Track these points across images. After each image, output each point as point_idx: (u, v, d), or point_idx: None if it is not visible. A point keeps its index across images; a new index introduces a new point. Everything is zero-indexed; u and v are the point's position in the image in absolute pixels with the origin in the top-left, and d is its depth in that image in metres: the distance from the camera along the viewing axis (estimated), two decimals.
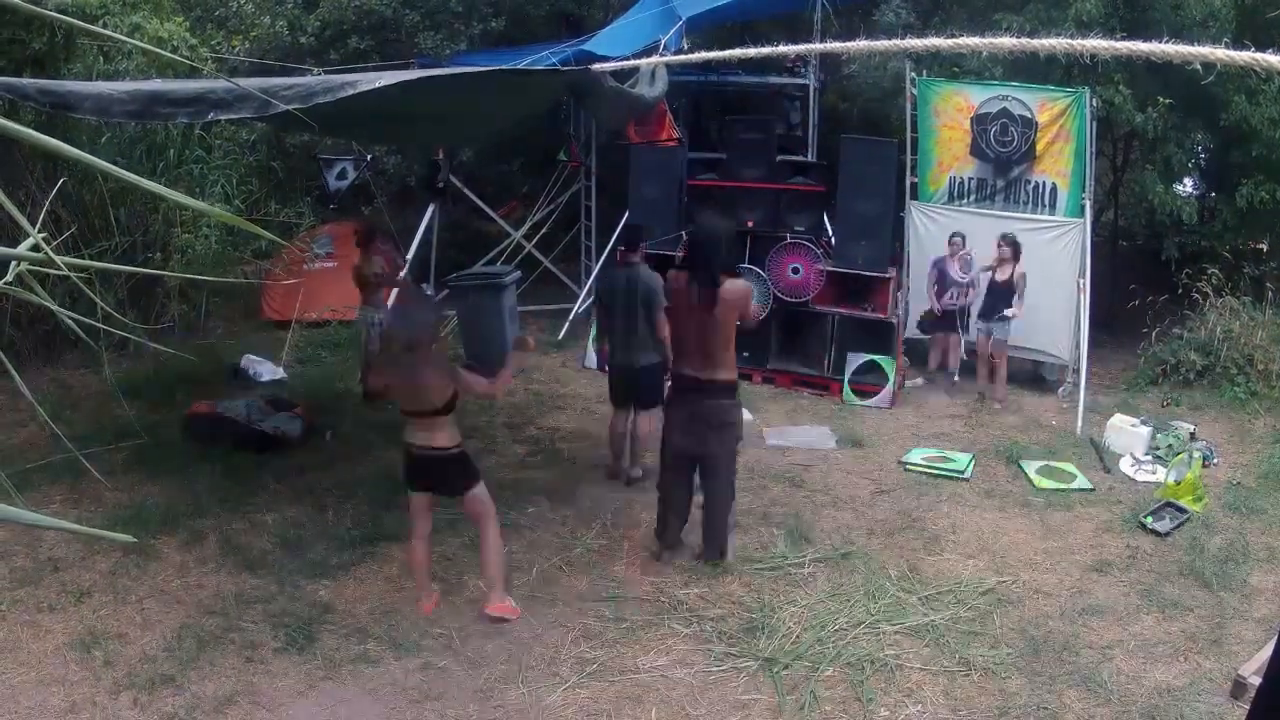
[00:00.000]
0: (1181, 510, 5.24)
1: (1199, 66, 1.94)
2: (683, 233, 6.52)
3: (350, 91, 3.03)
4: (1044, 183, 7.38)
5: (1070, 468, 5.95)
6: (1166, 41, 1.91)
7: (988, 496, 5.55)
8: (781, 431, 6.56)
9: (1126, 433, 6.33)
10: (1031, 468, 5.92)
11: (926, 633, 4.08)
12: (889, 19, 9.00)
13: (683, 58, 5.28)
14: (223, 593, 4.23)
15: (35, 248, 1.07)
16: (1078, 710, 3.61)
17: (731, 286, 4.33)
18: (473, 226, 10.74)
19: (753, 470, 5.86)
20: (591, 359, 7.91)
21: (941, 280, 7.37)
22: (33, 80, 4.01)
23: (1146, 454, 6.17)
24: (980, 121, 7.44)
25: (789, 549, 4.81)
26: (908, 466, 5.95)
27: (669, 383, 4.70)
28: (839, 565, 4.67)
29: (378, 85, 3.10)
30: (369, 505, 5.14)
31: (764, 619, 4.14)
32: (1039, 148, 7.27)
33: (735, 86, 9.76)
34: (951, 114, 7.58)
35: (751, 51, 3.10)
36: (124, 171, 1.10)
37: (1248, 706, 3.19)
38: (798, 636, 4.02)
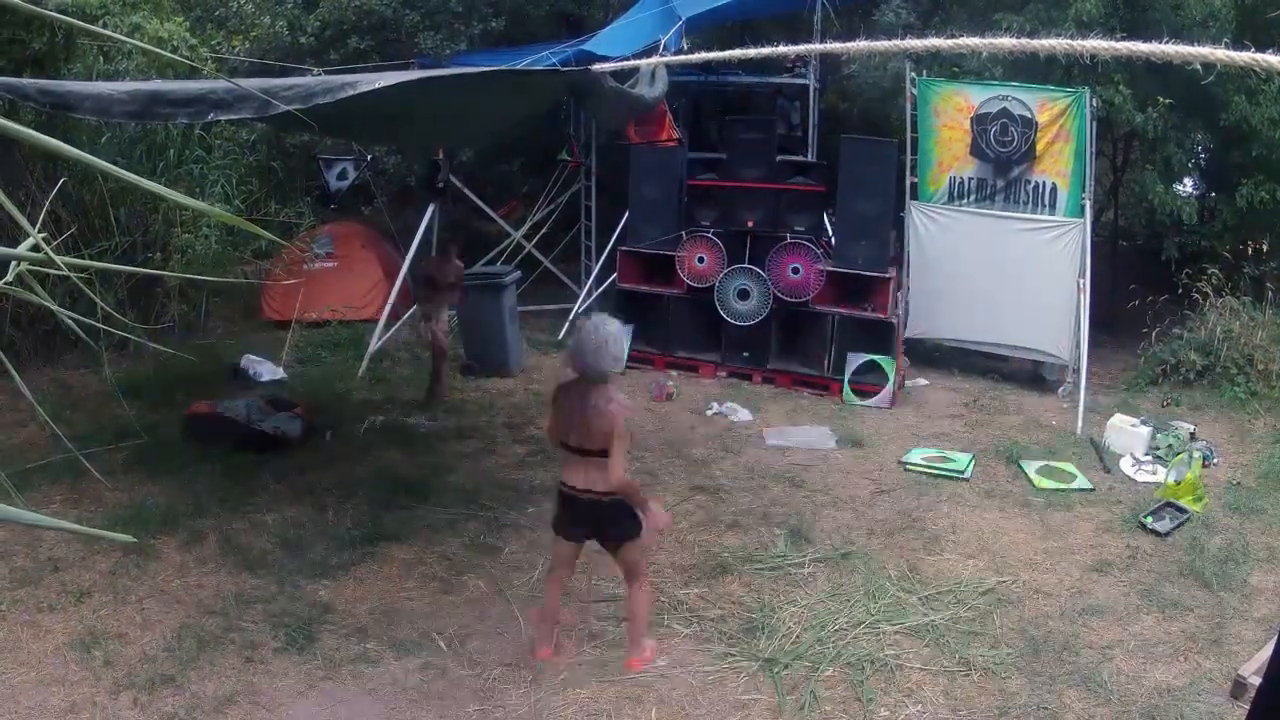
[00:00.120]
0: (1181, 510, 5.24)
1: (1199, 66, 1.94)
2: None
3: (350, 92, 3.03)
4: (1044, 183, 7.37)
5: (1070, 468, 5.95)
6: (1166, 41, 1.91)
7: (988, 496, 5.55)
8: (781, 431, 6.56)
9: (1126, 433, 6.33)
10: (1031, 468, 5.92)
11: (926, 633, 4.08)
12: (889, 19, 9.00)
13: (683, 58, 5.29)
14: (223, 593, 4.23)
15: (35, 248, 1.07)
16: (1078, 710, 3.62)
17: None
18: (473, 226, 10.73)
19: (753, 470, 5.87)
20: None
21: None
22: (33, 80, 4.01)
23: (1146, 454, 6.17)
24: (980, 121, 7.44)
25: (789, 549, 4.81)
26: (908, 466, 5.95)
27: None
28: (839, 565, 4.67)
29: (378, 86, 3.10)
30: (369, 505, 5.14)
31: (764, 619, 4.14)
32: (1039, 148, 7.27)
33: (735, 86, 9.76)
34: (951, 114, 7.58)
35: (751, 52, 3.10)
36: (124, 171, 1.10)
37: (1248, 706, 3.19)
38: (798, 636, 4.02)
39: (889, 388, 7.17)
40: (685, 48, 7.73)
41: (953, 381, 7.75)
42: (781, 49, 3.05)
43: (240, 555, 4.56)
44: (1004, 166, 7.46)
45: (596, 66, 4.28)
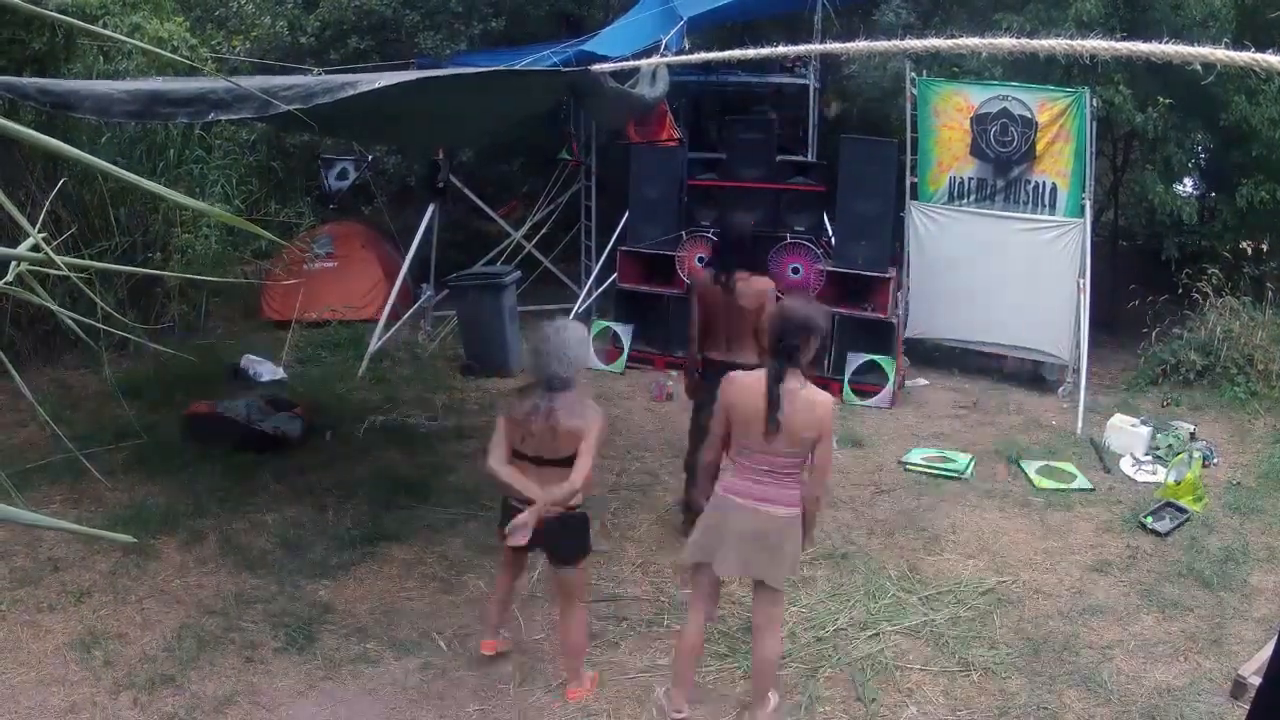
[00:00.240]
0: (1181, 510, 5.24)
1: (1199, 66, 1.94)
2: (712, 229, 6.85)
3: (350, 92, 3.03)
4: (1044, 183, 7.37)
5: (1070, 468, 5.95)
6: (1166, 41, 1.92)
7: (988, 496, 5.55)
8: None
9: (1126, 433, 6.33)
10: (1031, 468, 5.92)
11: (926, 633, 4.08)
12: (889, 19, 8.99)
13: (683, 58, 5.29)
14: (223, 593, 4.23)
15: (35, 248, 1.07)
16: (1078, 710, 3.62)
17: (747, 285, 4.56)
18: (473, 226, 10.73)
19: None
20: (592, 359, 7.91)
21: None
22: (33, 80, 4.00)
23: (1146, 454, 6.17)
24: (980, 121, 7.44)
25: None
26: (908, 466, 5.95)
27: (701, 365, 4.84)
28: (839, 565, 4.67)
29: (378, 86, 3.10)
30: (369, 505, 5.14)
31: None
32: (1039, 148, 7.27)
33: (735, 86, 9.76)
34: (951, 114, 7.58)
35: (751, 52, 3.10)
36: (124, 171, 1.10)
37: (1248, 706, 3.19)
38: (797, 637, 4.02)
39: (889, 388, 7.17)
40: (686, 48, 7.72)
41: (953, 381, 7.75)
42: (781, 49, 3.06)
43: (240, 555, 4.56)
44: (1004, 166, 7.46)
45: (597, 66, 4.28)
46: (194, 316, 8.35)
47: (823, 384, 7.25)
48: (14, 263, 1.10)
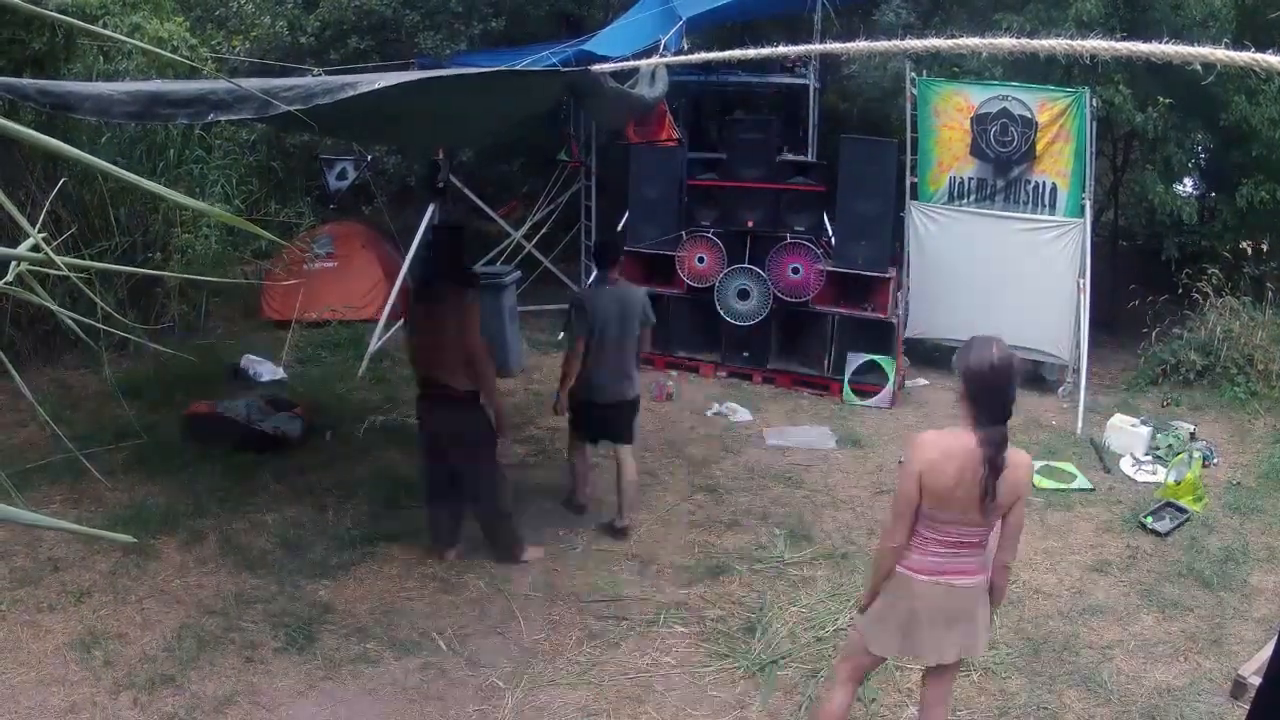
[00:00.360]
0: (1181, 510, 5.24)
1: (1199, 66, 1.94)
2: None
3: (350, 92, 3.03)
4: (1044, 183, 7.37)
5: (1070, 468, 5.95)
6: (1166, 41, 1.92)
7: None
8: (781, 431, 6.56)
9: (1126, 433, 6.33)
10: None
11: None
12: (889, 19, 8.99)
13: (683, 58, 5.29)
14: (223, 593, 4.23)
15: (35, 248, 1.07)
16: (1078, 710, 3.62)
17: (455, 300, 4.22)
18: (473, 226, 10.72)
19: (753, 470, 5.87)
20: None
21: None
22: (33, 80, 4.00)
23: (1146, 454, 6.17)
24: (980, 121, 7.44)
25: (789, 549, 4.81)
26: None
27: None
28: (839, 565, 4.67)
29: (378, 86, 3.10)
30: (369, 505, 5.14)
31: (764, 619, 4.14)
32: (1039, 148, 7.27)
33: (735, 86, 9.76)
34: (951, 114, 7.58)
35: (751, 52, 3.10)
36: (124, 171, 1.10)
37: (1248, 706, 3.19)
38: (798, 637, 4.02)
39: (889, 388, 7.17)
40: (685, 48, 7.72)
41: (953, 381, 7.69)
42: (781, 49, 3.05)
43: (240, 555, 4.56)
44: (1004, 166, 7.46)
45: (596, 67, 4.27)
46: (194, 316, 8.35)
47: (823, 384, 7.40)
48: (14, 263, 1.10)
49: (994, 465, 2.65)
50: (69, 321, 1.33)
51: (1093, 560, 4.81)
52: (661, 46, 7.13)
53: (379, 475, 5.52)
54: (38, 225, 1.09)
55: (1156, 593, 4.47)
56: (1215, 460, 6.13)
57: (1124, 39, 2.02)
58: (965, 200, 7.68)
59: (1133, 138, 8.84)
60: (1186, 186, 9.13)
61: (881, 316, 7.31)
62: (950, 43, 2.47)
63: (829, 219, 7.76)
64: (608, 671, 3.77)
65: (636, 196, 8.08)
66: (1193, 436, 6.37)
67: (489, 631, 4.04)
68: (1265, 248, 8.70)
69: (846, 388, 7.26)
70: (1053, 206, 7.37)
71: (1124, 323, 8.48)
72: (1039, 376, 7.79)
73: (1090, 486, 5.71)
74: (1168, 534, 5.06)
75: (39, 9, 1.32)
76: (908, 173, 7.73)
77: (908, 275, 7.87)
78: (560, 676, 3.74)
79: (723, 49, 4.74)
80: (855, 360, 7.29)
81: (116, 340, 6.82)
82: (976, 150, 7.52)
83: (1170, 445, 6.17)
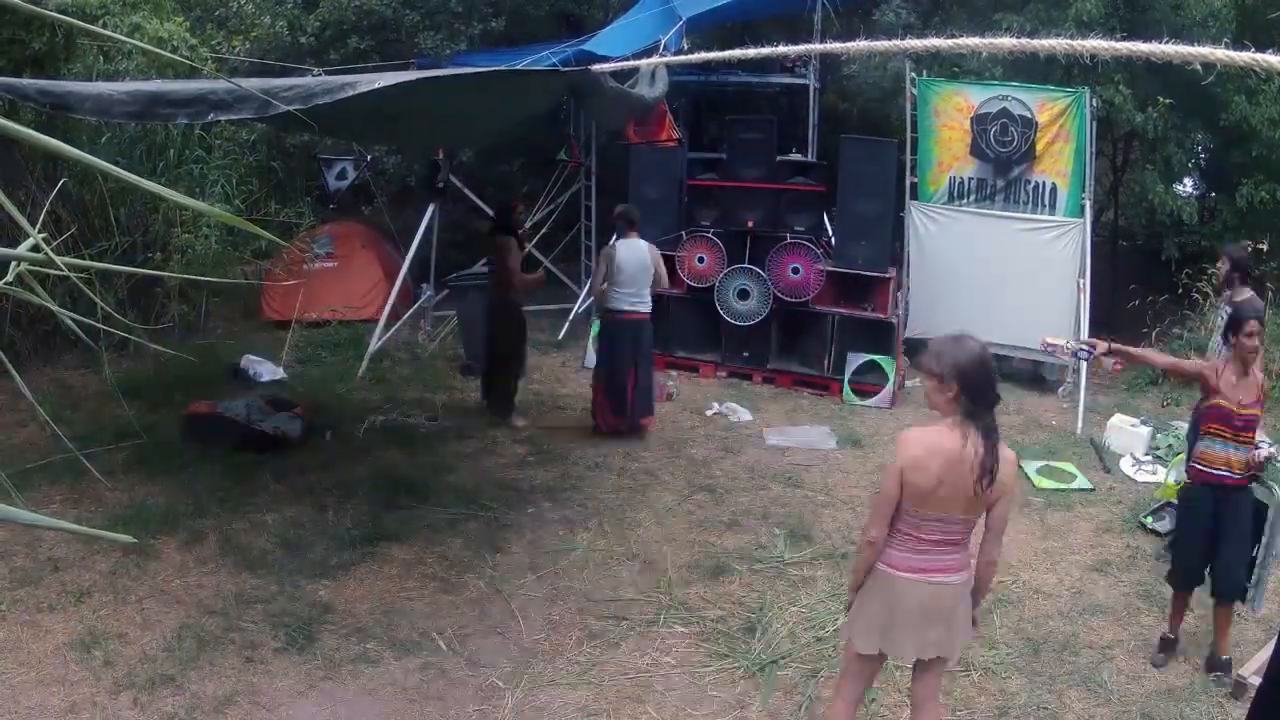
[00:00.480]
0: None
1: (1199, 66, 1.94)
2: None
3: (350, 92, 3.03)
4: (1044, 183, 7.38)
5: (1070, 468, 5.95)
6: (1166, 41, 1.92)
7: None
8: (781, 431, 6.56)
9: (1126, 433, 6.33)
10: (1031, 468, 5.92)
11: None
12: (889, 19, 9.00)
13: (683, 58, 5.29)
14: (223, 593, 4.23)
15: (35, 248, 1.07)
16: (1078, 710, 3.62)
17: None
18: (473, 226, 10.73)
19: (753, 470, 5.87)
20: (592, 359, 7.91)
21: None
22: (33, 80, 4.00)
23: (1146, 454, 6.17)
24: (980, 121, 7.45)
25: (789, 549, 4.81)
26: None
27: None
28: (839, 565, 4.67)
29: (377, 86, 3.10)
30: (369, 505, 5.14)
31: (764, 619, 4.14)
32: (1039, 148, 7.28)
33: (735, 86, 9.76)
34: (951, 114, 7.58)
35: (751, 52, 3.10)
36: (124, 171, 1.10)
37: (1248, 706, 3.19)
38: (797, 637, 4.02)
39: (889, 388, 7.17)
40: (685, 48, 7.73)
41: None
42: (781, 49, 3.05)
43: (240, 555, 4.56)
44: (1004, 166, 7.46)
45: (596, 67, 4.28)
46: (194, 316, 8.35)
47: (823, 384, 7.39)
48: (14, 263, 1.10)
49: (987, 464, 2.67)
50: (69, 321, 1.33)
51: (1093, 560, 4.81)
52: (661, 46, 7.13)
53: (379, 475, 5.52)
54: (38, 225, 1.09)
55: (1156, 593, 4.47)
56: None
57: (1124, 39, 2.02)
58: (965, 200, 7.69)
59: (1133, 138, 8.84)
60: (1186, 186, 9.14)
61: (881, 316, 7.31)
62: (950, 43, 2.48)
63: (829, 219, 7.77)
64: (608, 671, 3.77)
65: (636, 196, 8.07)
66: None
67: (489, 631, 4.04)
68: (1265, 248, 8.71)
69: (846, 388, 7.26)
70: (1053, 206, 7.38)
71: (1124, 323, 8.47)
72: (1039, 376, 7.80)
73: (1090, 486, 5.71)
74: (1168, 534, 5.05)
75: (39, 9, 1.32)
76: (908, 173, 7.73)
77: (908, 275, 7.88)
78: (560, 676, 3.74)
79: (723, 49, 4.74)
80: (855, 360, 7.29)
81: (116, 340, 6.82)
82: (976, 150, 7.52)
83: (1170, 445, 6.17)
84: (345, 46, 9.66)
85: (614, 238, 6.76)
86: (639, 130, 9.30)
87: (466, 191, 9.35)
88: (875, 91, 9.25)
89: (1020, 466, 5.95)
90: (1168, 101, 7.45)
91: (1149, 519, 5.15)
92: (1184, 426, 6.46)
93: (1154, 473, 5.88)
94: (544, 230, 9.84)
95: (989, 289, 7.43)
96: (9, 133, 1.00)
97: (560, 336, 8.66)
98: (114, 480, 5.18)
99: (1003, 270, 7.41)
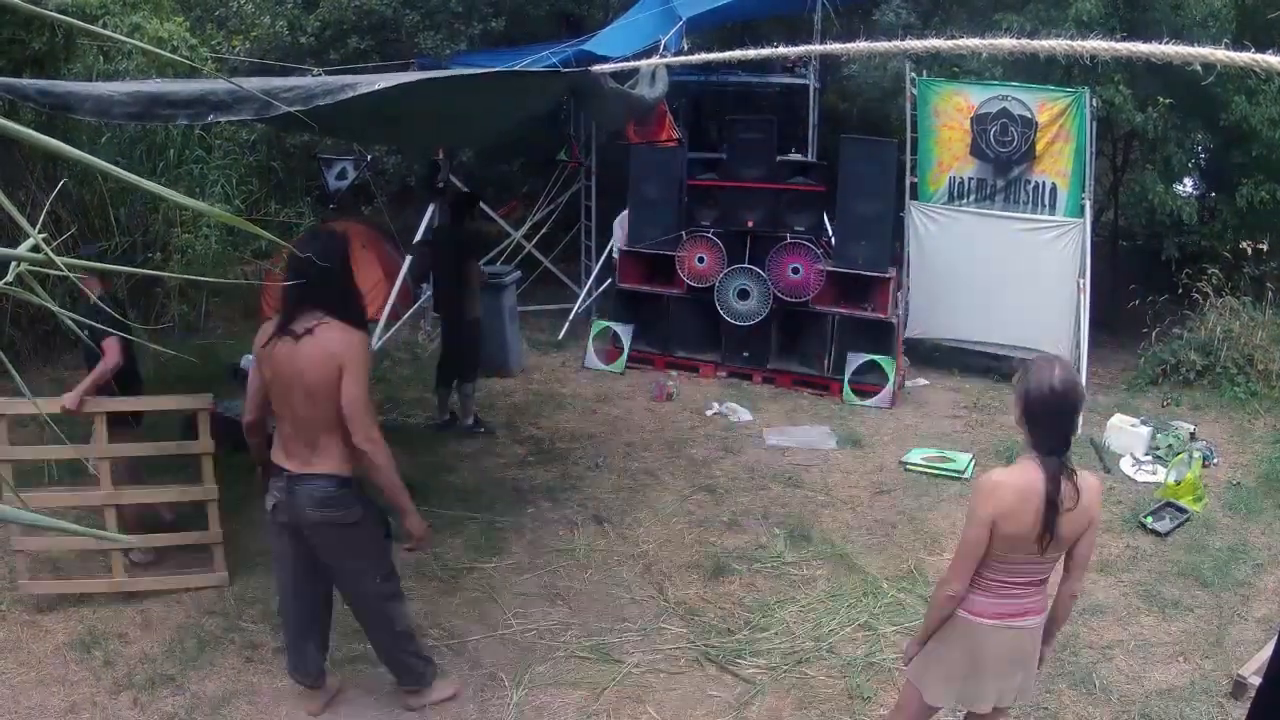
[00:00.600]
0: (1181, 510, 5.24)
1: (1199, 66, 1.94)
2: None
3: (350, 93, 3.03)
4: (1044, 183, 7.37)
5: None
6: (1166, 41, 1.92)
7: None
8: (781, 431, 6.56)
9: (1126, 433, 6.33)
10: None
11: None
12: (889, 19, 8.99)
13: (683, 58, 5.29)
14: (223, 593, 4.23)
15: (35, 248, 1.07)
16: (1077, 710, 3.62)
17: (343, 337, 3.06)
18: (472, 227, 10.72)
19: (753, 470, 5.87)
20: (592, 359, 7.92)
21: None
22: (32, 80, 4.00)
23: (1146, 454, 6.17)
24: (980, 121, 7.45)
25: (789, 549, 4.81)
26: (908, 466, 5.95)
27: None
28: (838, 565, 4.67)
29: (378, 87, 3.10)
30: None
31: (763, 619, 4.14)
32: (1039, 148, 7.27)
33: (735, 86, 9.76)
34: (951, 114, 7.58)
35: (751, 52, 3.10)
36: (124, 171, 1.10)
37: (1248, 706, 3.19)
38: (796, 636, 4.02)
39: (889, 388, 7.17)
40: (685, 48, 7.73)
41: (953, 381, 7.75)
42: (781, 49, 3.05)
43: (240, 555, 4.55)
44: (1004, 166, 7.46)
45: (596, 67, 4.28)
46: (194, 316, 8.35)
47: (823, 384, 7.39)
48: (14, 263, 1.10)
49: (1051, 503, 2.45)
50: (69, 321, 1.33)
51: (1093, 560, 4.80)
52: (661, 46, 7.13)
53: None
54: (38, 225, 1.09)
55: (1156, 593, 4.47)
56: (1215, 460, 6.13)
57: (1124, 39, 2.02)
58: (965, 200, 7.69)
59: (1133, 138, 8.84)
60: (1186, 186, 9.13)
61: (881, 316, 7.31)
62: (950, 43, 2.47)
63: (829, 219, 7.76)
64: (607, 672, 3.77)
65: (636, 196, 8.08)
66: (1193, 436, 6.37)
67: (489, 631, 4.04)
68: (1265, 248, 8.71)
69: (846, 388, 7.26)
70: (1053, 206, 7.37)
71: (1124, 323, 8.48)
72: None
73: None
74: (1168, 534, 5.06)
75: (39, 9, 1.32)
76: (908, 173, 7.73)
77: (908, 275, 7.88)
78: (560, 676, 3.74)
79: (723, 49, 4.75)
80: (855, 360, 7.29)
81: None
82: (976, 150, 7.52)
83: (1170, 445, 6.16)
84: (345, 46, 9.66)
85: None
86: (639, 130, 9.30)
87: (466, 191, 9.34)
88: (875, 91, 9.24)
89: None
90: (1168, 101, 7.45)
91: (1149, 519, 5.16)
92: (1184, 426, 6.48)
93: (1154, 473, 5.88)
94: (544, 230, 9.84)
95: (989, 289, 7.43)
96: (9, 133, 1.00)
97: (560, 336, 8.65)
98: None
99: (1003, 270, 7.41)
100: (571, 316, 8.87)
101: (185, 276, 6.90)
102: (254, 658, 3.78)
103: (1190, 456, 5.74)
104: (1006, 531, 2.48)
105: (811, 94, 9.07)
